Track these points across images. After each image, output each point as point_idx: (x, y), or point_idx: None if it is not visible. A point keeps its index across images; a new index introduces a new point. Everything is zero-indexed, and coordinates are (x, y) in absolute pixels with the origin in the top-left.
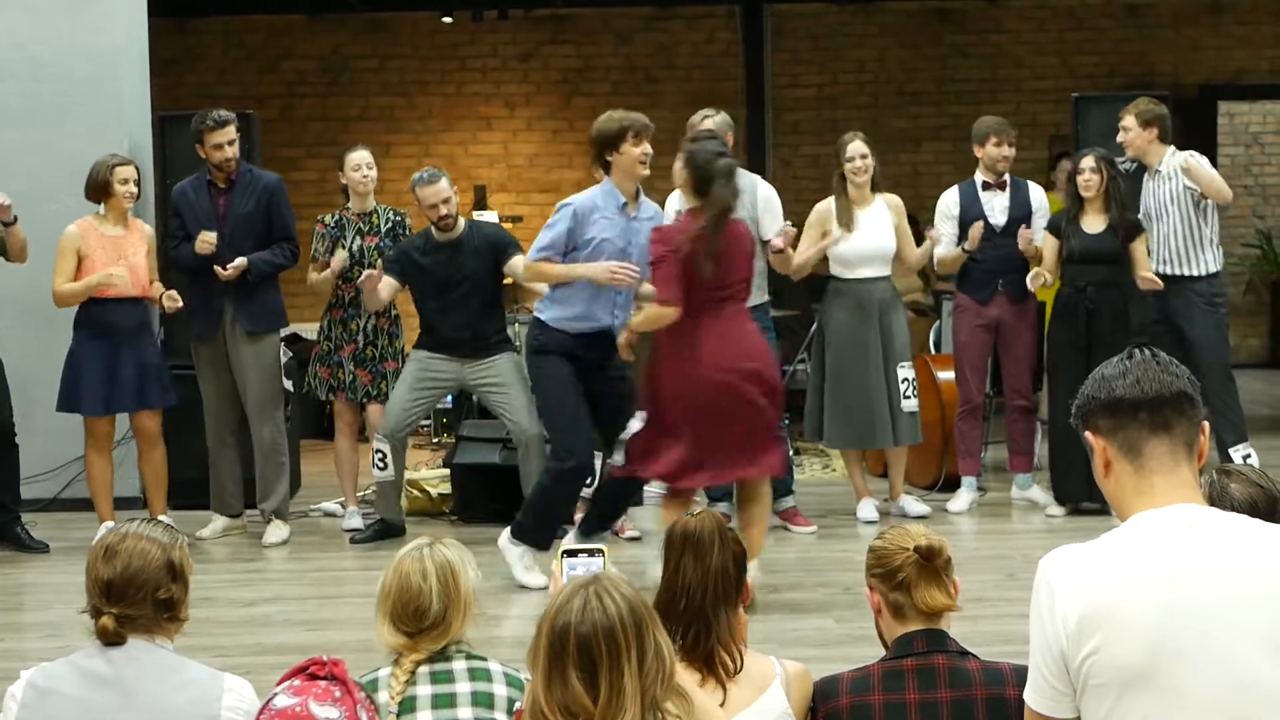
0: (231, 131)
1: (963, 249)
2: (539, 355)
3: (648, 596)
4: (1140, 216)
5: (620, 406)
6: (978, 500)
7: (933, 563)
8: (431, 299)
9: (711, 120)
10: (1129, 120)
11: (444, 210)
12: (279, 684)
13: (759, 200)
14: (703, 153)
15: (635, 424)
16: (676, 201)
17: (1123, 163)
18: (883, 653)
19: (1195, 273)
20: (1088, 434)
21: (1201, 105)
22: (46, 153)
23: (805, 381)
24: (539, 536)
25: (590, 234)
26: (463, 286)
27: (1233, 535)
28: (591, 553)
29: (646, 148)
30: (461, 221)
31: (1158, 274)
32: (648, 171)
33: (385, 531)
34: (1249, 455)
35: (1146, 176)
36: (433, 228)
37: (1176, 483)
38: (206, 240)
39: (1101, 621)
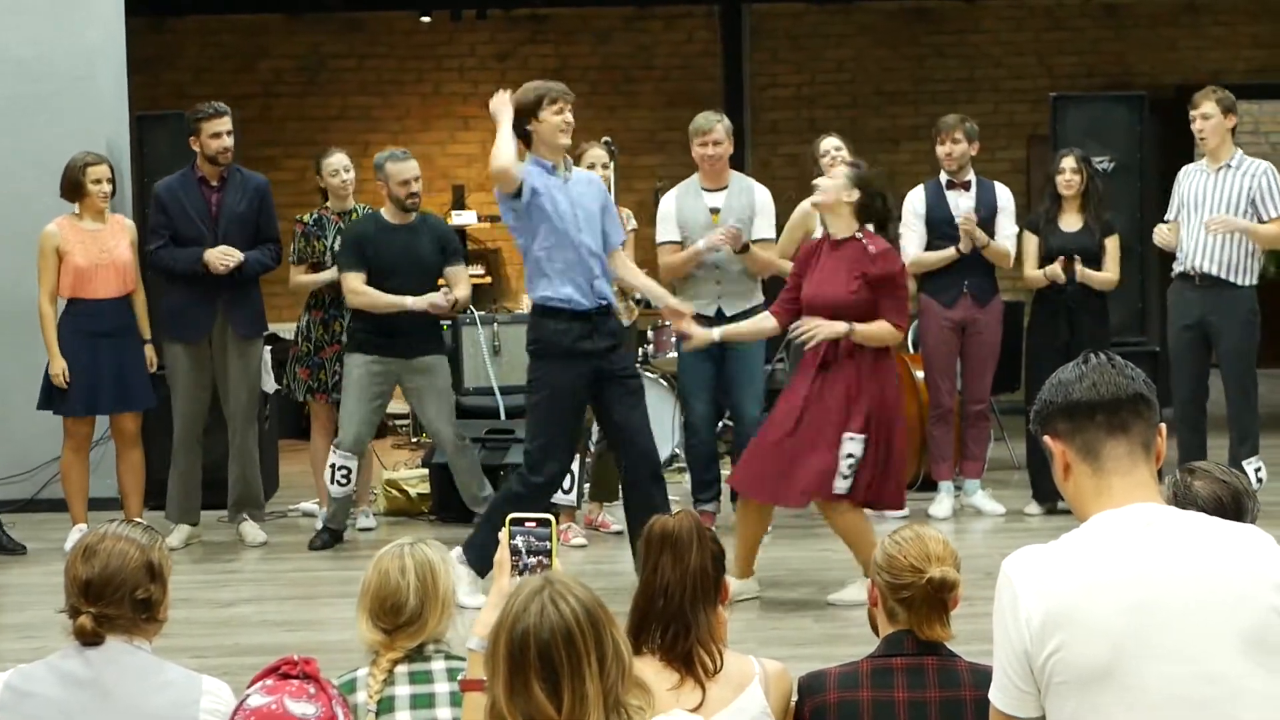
0: (229, 122)
1: (957, 249)
2: (546, 360)
3: (629, 594)
4: (1178, 211)
5: (631, 412)
6: (958, 504)
7: (941, 595)
8: (376, 281)
9: (721, 125)
10: (1209, 107)
11: (414, 188)
12: (250, 685)
13: (755, 204)
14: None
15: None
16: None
17: (1100, 162)
18: (863, 650)
19: (1245, 282)
20: (1046, 438)
21: (1178, 105)
22: (25, 152)
23: (782, 381)
24: (484, 559)
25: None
26: (409, 271)
27: (1190, 533)
28: (540, 522)
29: (568, 115)
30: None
31: (1203, 273)
32: (568, 140)
33: (334, 540)
34: (1260, 468)
35: (1205, 169)
36: (384, 210)
37: (1134, 483)
38: (229, 257)
39: (1064, 621)
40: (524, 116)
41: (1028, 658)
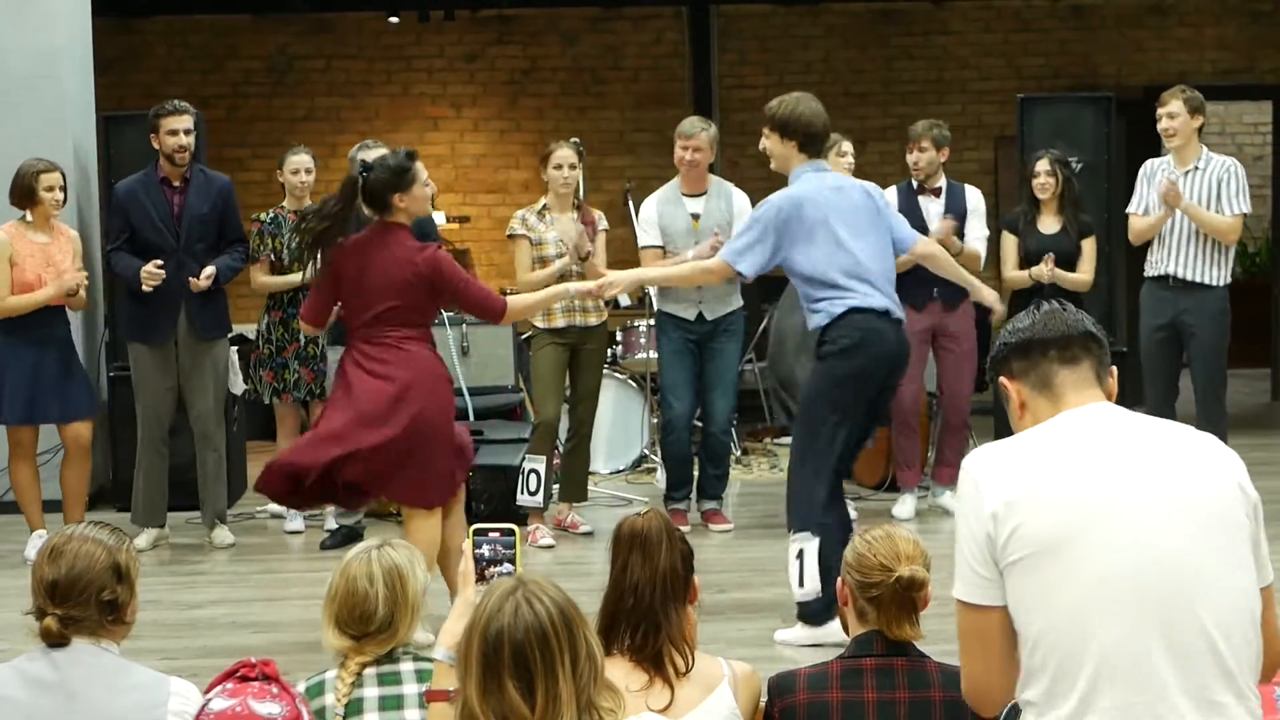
0: (188, 121)
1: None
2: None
3: (598, 595)
4: (1145, 208)
5: None
6: (924, 505)
7: (910, 594)
8: None
9: (706, 134)
10: (1176, 105)
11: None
12: (208, 690)
13: (733, 208)
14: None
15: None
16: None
17: (1074, 162)
18: (832, 651)
19: (1218, 282)
20: (1002, 379)
21: (1145, 106)
22: None
23: (753, 382)
24: None
25: None
26: None
27: (1151, 424)
28: (504, 531)
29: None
30: None
31: (1176, 277)
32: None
33: (350, 537)
34: None
35: (1172, 170)
36: None
37: (1089, 397)
38: (155, 275)
39: (1024, 501)
40: None
41: (990, 542)
